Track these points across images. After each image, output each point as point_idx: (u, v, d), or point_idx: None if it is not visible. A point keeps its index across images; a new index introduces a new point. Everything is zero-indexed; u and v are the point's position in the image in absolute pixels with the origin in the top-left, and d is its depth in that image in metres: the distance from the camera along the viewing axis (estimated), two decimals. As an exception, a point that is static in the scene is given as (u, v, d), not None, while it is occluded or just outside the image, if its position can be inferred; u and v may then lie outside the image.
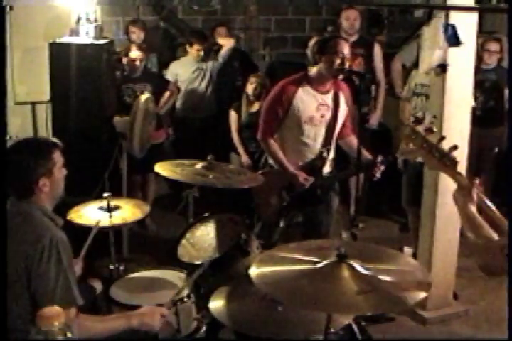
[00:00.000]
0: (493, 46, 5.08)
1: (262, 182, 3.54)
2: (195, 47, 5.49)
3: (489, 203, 2.10)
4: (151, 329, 2.43)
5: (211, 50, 5.63)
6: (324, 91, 3.69)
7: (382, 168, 3.59)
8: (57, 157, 2.41)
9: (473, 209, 2.05)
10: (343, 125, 3.82)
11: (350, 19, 5.15)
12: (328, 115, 3.72)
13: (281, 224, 3.76)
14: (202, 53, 5.50)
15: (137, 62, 4.89)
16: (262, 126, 3.77)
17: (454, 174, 2.11)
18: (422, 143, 2.12)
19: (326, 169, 3.85)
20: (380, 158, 3.56)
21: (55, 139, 2.48)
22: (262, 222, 3.78)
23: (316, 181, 3.74)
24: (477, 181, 2.08)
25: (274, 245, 3.41)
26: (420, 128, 2.17)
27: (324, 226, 3.96)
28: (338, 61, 3.53)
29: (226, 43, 5.63)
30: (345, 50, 3.56)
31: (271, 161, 3.85)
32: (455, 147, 2.09)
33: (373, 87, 5.04)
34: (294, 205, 3.77)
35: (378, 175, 3.59)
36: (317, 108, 3.67)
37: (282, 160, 3.72)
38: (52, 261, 2.22)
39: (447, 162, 2.09)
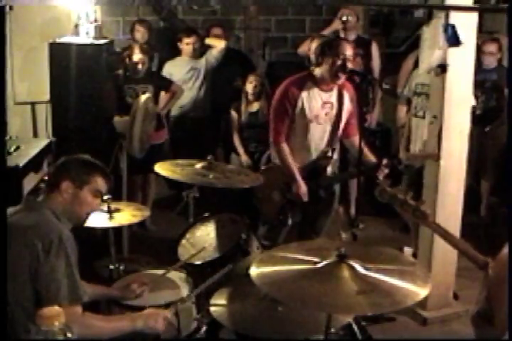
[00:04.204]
0: (491, 47, 5.08)
1: (264, 179, 3.55)
2: (185, 40, 5.52)
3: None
4: (153, 331, 2.44)
5: (202, 45, 5.64)
6: (328, 89, 3.70)
7: (386, 171, 3.59)
8: (97, 181, 2.45)
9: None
10: (348, 123, 3.82)
11: (345, 17, 5.14)
12: (333, 113, 3.73)
13: (290, 222, 3.76)
14: (192, 47, 5.51)
15: (139, 65, 4.90)
16: (273, 129, 3.75)
17: (430, 225, 2.41)
18: (394, 200, 2.43)
19: (329, 169, 3.86)
20: (385, 161, 3.56)
21: (111, 179, 2.55)
22: (264, 218, 3.78)
23: (319, 181, 3.75)
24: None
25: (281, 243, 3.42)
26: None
27: (319, 226, 3.96)
28: (339, 62, 3.54)
29: (217, 44, 5.62)
30: (347, 51, 3.57)
31: (276, 160, 3.85)
32: (422, 202, 2.41)
33: (370, 88, 5.07)
34: (296, 202, 3.77)
35: (381, 178, 3.59)
36: (322, 106, 3.69)
37: (291, 167, 3.71)
38: (61, 257, 2.23)
39: (419, 215, 2.38)
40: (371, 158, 3.65)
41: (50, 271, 2.21)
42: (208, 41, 5.68)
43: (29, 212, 2.38)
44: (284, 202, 3.80)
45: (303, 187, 3.69)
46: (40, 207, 2.38)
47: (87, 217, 2.50)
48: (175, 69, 5.55)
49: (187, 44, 5.52)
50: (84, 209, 2.45)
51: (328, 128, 3.76)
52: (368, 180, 3.45)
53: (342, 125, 3.79)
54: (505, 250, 1.99)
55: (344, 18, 5.13)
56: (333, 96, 3.72)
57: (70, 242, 2.29)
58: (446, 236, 2.32)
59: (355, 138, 3.81)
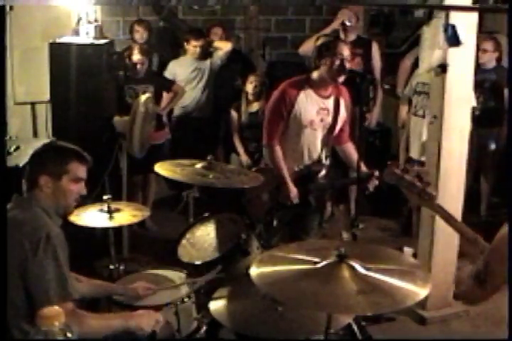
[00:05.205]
0: (487, 45, 5.06)
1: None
2: (192, 43, 5.53)
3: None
4: (143, 332, 2.42)
5: (209, 47, 5.65)
6: (326, 96, 3.69)
7: (377, 182, 3.58)
8: (74, 168, 2.42)
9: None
10: (341, 130, 3.82)
11: (347, 22, 5.13)
12: (328, 120, 3.72)
13: (275, 223, 3.76)
14: (199, 50, 5.51)
15: (139, 66, 4.92)
16: (266, 130, 3.73)
17: (434, 207, 2.37)
18: (401, 182, 2.38)
19: (322, 175, 3.86)
20: (376, 173, 3.55)
21: (86, 155, 2.50)
22: (251, 218, 3.78)
23: (310, 186, 3.75)
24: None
25: (274, 245, 3.42)
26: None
27: (309, 227, 3.95)
28: (337, 62, 3.53)
29: (223, 46, 5.64)
30: (345, 51, 3.56)
31: (268, 162, 3.84)
32: (428, 183, 2.36)
33: (371, 87, 5.06)
34: (285, 205, 3.76)
35: (371, 189, 3.59)
36: (317, 112, 3.67)
37: (282, 170, 3.69)
38: (48, 255, 2.22)
39: (425, 197, 2.34)
40: (362, 168, 3.64)
41: (39, 269, 2.21)
42: (216, 44, 5.69)
43: (19, 210, 2.36)
44: (272, 204, 3.80)
45: (293, 191, 3.68)
46: (30, 205, 2.36)
47: (75, 203, 2.49)
48: (179, 69, 5.56)
49: (194, 46, 5.53)
50: (69, 197, 2.44)
51: (322, 134, 3.75)
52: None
53: (336, 132, 3.79)
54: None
55: (348, 23, 5.10)
56: (330, 103, 3.71)
57: (59, 239, 2.28)
58: (448, 219, 2.33)
59: (347, 146, 3.85)
